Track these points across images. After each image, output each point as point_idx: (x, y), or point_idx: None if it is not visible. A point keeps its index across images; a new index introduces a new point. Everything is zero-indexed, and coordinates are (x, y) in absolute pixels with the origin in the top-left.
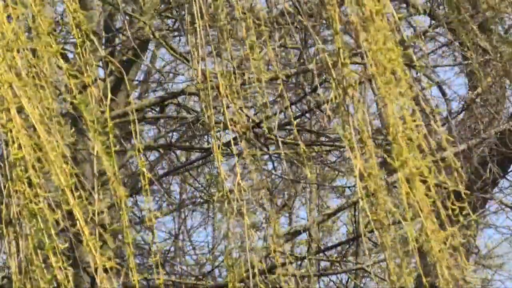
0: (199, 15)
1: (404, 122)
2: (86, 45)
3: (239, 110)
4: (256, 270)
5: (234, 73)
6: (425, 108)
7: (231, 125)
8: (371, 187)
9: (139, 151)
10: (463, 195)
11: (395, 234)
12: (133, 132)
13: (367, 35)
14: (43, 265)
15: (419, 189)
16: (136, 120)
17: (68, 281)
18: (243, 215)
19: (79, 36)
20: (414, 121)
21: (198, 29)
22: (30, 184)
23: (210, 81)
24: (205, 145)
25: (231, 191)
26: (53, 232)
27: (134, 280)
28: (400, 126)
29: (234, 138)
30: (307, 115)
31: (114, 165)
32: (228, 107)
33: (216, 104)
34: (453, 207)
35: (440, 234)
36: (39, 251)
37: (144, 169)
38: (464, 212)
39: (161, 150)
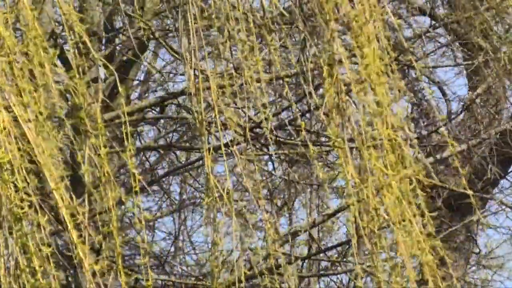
0: (193, 18)
1: (372, 130)
2: (80, 47)
3: (235, 111)
4: (242, 276)
5: (230, 75)
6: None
7: (221, 129)
8: (364, 193)
9: (131, 152)
10: (461, 196)
11: (385, 240)
12: (124, 135)
13: (353, 39)
14: (27, 269)
15: (405, 196)
16: (127, 123)
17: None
18: (233, 219)
19: (72, 38)
20: (387, 128)
21: (191, 31)
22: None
23: (207, 81)
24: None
25: (220, 196)
26: (37, 236)
27: (122, 281)
28: (369, 134)
29: (226, 144)
30: (307, 115)
31: (105, 167)
32: (220, 112)
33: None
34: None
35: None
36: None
37: (135, 171)
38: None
39: (161, 150)
